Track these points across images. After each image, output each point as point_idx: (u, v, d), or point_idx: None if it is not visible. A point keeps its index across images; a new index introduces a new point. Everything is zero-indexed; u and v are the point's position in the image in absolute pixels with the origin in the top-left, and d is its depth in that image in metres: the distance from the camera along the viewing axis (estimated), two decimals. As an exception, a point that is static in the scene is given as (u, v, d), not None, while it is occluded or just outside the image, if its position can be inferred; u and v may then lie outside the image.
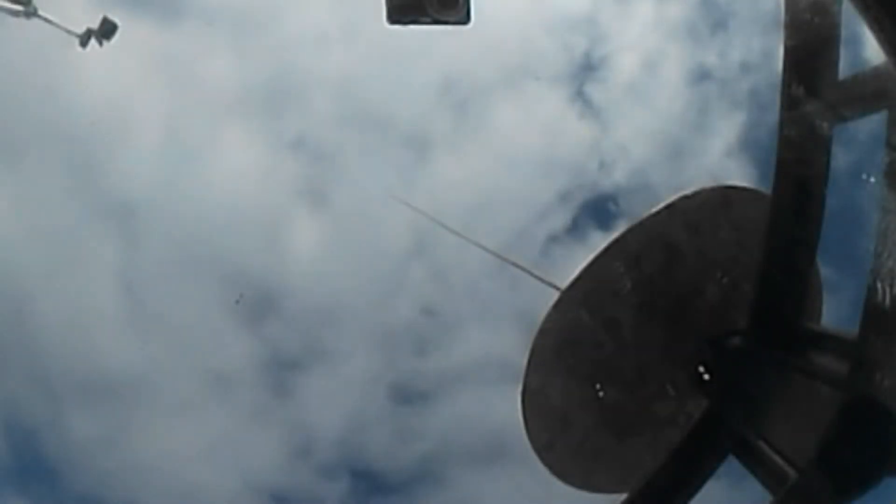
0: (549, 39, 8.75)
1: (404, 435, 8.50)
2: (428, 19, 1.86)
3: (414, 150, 8.57)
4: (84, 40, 6.47)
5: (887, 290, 1.34)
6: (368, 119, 8.78)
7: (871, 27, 1.35)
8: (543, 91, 8.78)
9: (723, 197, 1.98)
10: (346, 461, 8.47)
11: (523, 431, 2.10)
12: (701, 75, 8.47)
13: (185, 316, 8.39)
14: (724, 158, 8.04)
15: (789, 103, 1.60)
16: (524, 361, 2.36)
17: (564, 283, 2.63)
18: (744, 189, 2.01)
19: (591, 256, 2.08)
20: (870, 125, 1.70)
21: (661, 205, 2.00)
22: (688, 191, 2.03)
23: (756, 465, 1.59)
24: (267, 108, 8.85)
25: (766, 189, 1.98)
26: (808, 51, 1.58)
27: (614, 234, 2.43)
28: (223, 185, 8.62)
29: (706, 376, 1.78)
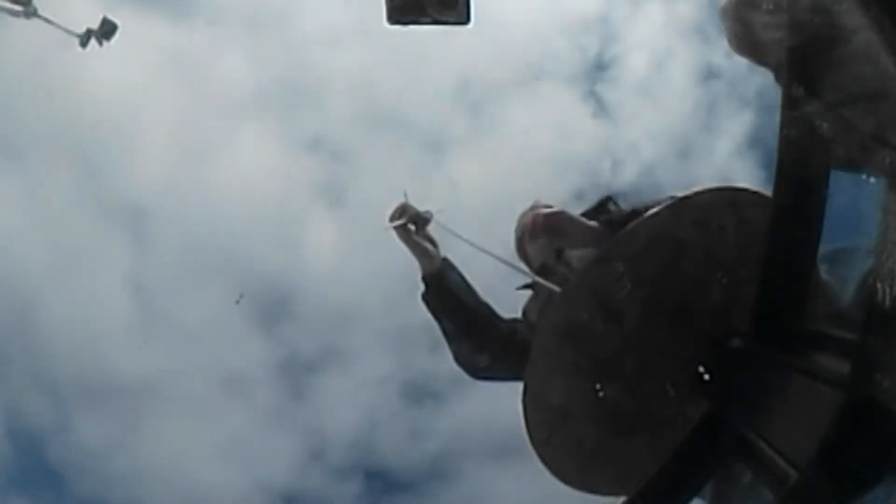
0: (562, 39, 8.77)
1: (417, 434, 8.52)
2: (428, 19, 1.87)
3: (429, 150, 8.60)
4: (84, 40, 6.50)
5: (887, 290, 1.34)
6: (383, 119, 8.81)
7: (871, 27, 1.35)
8: (556, 90, 8.80)
9: (730, 198, 1.98)
10: (360, 461, 8.49)
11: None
12: (709, 75, 8.47)
13: (197, 318, 8.41)
14: (732, 158, 8.05)
15: (789, 103, 1.60)
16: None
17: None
18: (751, 192, 2.01)
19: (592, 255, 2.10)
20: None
21: (670, 201, 2.00)
22: (696, 188, 2.04)
23: (756, 465, 1.59)
24: (281, 108, 8.88)
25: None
26: (808, 51, 1.58)
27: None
28: (236, 185, 8.66)
29: (706, 377, 1.78)
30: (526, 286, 2.94)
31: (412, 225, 2.82)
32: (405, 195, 2.89)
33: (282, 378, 8.62)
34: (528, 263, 3.07)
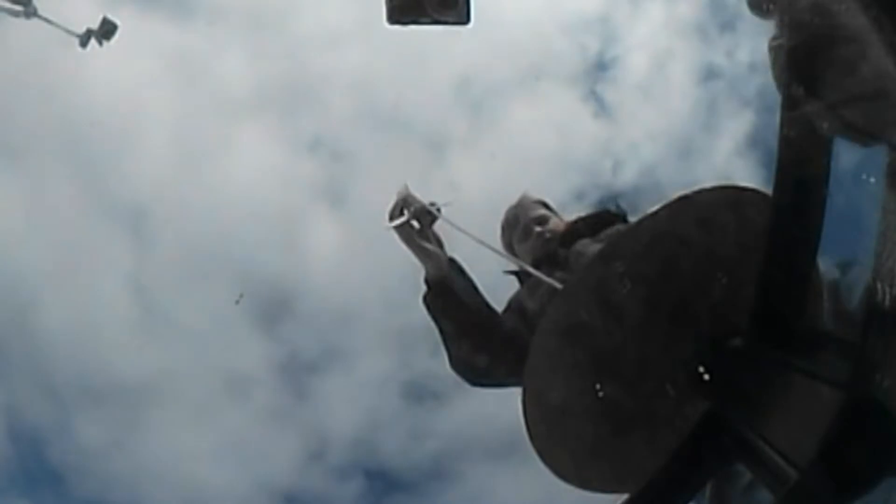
0: (563, 39, 8.77)
1: (418, 434, 8.51)
2: (428, 19, 1.88)
3: (430, 149, 8.61)
4: (84, 40, 6.51)
5: (887, 290, 1.34)
6: (384, 119, 8.81)
7: (872, 27, 1.35)
8: (557, 90, 8.80)
9: (732, 197, 1.99)
10: (360, 461, 8.48)
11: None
12: (709, 74, 8.47)
13: (198, 318, 8.41)
14: (732, 158, 8.06)
15: (789, 103, 1.60)
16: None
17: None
18: (753, 191, 2.01)
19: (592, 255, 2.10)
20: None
21: (674, 197, 2.01)
22: (698, 188, 2.03)
23: (756, 465, 1.59)
24: (281, 108, 8.88)
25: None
26: (808, 51, 1.58)
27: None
28: (237, 185, 8.66)
29: (706, 377, 1.79)
30: (513, 272, 2.91)
31: (416, 222, 2.57)
32: (406, 187, 2.65)
33: (282, 378, 8.62)
34: (516, 256, 3.04)
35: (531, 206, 3.18)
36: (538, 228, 3.05)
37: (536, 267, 2.76)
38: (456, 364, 2.67)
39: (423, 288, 2.66)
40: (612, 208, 2.94)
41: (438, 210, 2.61)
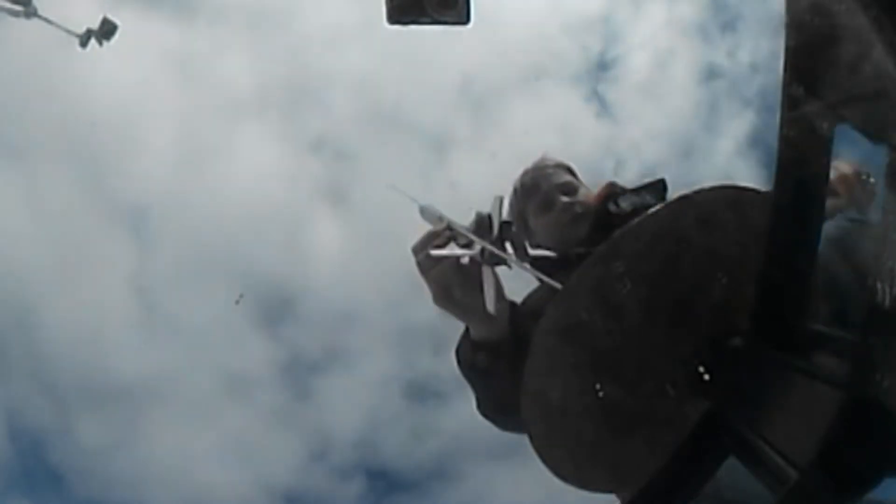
0: (564, 39, 8.80)
1: (420, 434, 8.53)
2: (428, 19, 1.88)
3: (432, 149, 8.63)
4: (84, 40, 6.54)
5: (887, 290, 1.34)
6: (387, 119, 8.84)
7: (871, 27, 1.35)
8: (559, 90, 8.83)
9: (732, 196, 1.99)
10: (362, 461, 8.51)
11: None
12: (710, 74, 8.50)
13: (200, 319, 8.43)
14: (733, 157, 8.09)
15: (789, 103, 1.61)
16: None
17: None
18: (754, 191, 2.01)
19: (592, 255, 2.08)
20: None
21: (674, 197, 2.01)
22: (699, 187, 2.04)
23: (756, 465, 1.59)
24: (283, 108, 8.91)
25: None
26: (808, 51, 1.59)
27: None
28: (238, 185, 8.68)
29: (706, 376, 1.79)
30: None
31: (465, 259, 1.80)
32: (440, 217, 1.93)
33: (284, 378, 8.63)
34: (529, 233, 2.64)
35: (554, 170, 2.69)
36: (565, 199, 2.54)
37: (564, 252, 2.49)
38: (487, 413, 2.22)
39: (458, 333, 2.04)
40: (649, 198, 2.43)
41: (510, 223, 1.87)
